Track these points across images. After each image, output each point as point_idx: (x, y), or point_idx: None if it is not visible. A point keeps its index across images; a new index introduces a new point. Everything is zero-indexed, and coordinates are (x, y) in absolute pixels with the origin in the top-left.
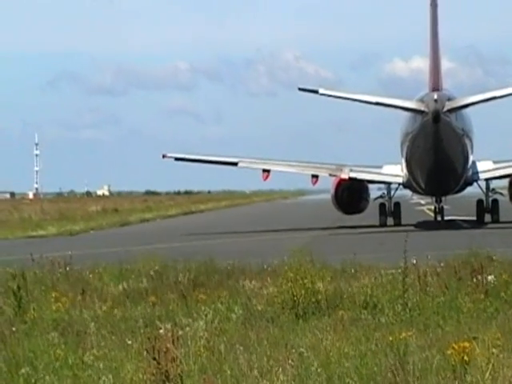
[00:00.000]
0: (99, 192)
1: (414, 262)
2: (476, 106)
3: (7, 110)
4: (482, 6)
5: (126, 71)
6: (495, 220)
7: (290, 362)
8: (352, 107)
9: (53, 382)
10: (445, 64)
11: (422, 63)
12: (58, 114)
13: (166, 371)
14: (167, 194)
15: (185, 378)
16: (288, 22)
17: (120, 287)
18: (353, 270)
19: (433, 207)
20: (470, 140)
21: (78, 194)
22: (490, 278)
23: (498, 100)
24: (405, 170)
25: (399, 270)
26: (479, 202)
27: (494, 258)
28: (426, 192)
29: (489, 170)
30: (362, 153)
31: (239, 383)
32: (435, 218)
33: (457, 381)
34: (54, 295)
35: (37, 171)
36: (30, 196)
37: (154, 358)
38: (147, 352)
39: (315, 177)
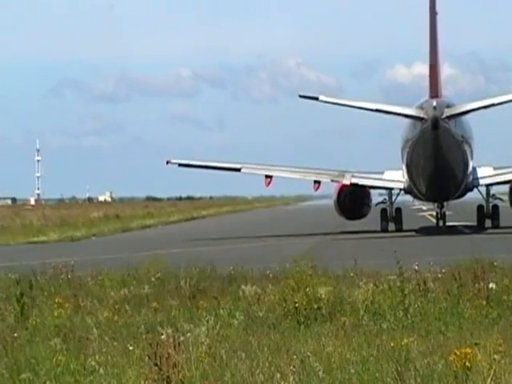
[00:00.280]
0: (101, 198)
1: (416, 267)
2: (477, 113)
3: (10, 117)
4: (484, 13)
5: (128, 78)
6: (495, 225)
7: (291, 368)
8: (354, 114)
9: None
10: (446, 70)
11: (423, 69)
12: (60, 121)
13: (168, 377)
14: (169, 199)
15: None
16: (290, 29)
17: (122, 293)
18: (354, 276)
19: (434, 213)
20: (470, 146)
21: (79, 200)
22: (491, 285)
23: (499, 106)
24: (406, 176)
25: (400, 276)
26: (480, 208)
27: (495, 263)
28: (426, 197)
29: (489, 176)
30: (364, 159)
31: None
32: (437, 223)
33: None
34: (56, 301)
35: (38, 177)
36: (32, 202)
37: (156, 364)
38: (149, 358)
39: (317, 183)
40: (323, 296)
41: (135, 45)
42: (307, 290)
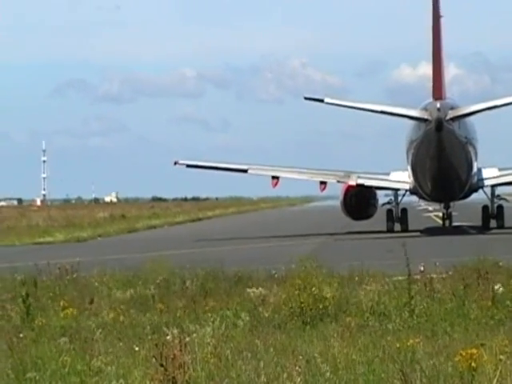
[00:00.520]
0: (107, 199)
1: (422, 268)
2: (481, 114)
3: (15, 118)
4: (490, 13)
5: (133, 79)
6: (500, 226)
7: (297, 368)
8: (359, 115)
9: None
10: (452, 71)
11: (429, 70)
12: (65, 122)
13: (174, 377)
14: (174, 200)
15: None
16: (295, 30)
17: (127, 294)
18: (359, 277)
19: (441, 213)
20: (474, 147)
21: (85, 200)
22: (497, 286)
23: (504, 108)
24: (411, 177)
25: (406, 277)
26: (484, 208)
27: (501, 264)
28: (431, 198)
29: (494, 177)
30: (370, 159)
31: None
32: (443, 223)
33: None
34: (61, 302)
35: (44, 178)
36: (38, 203)
37: (162, 365)
38: (155, 358)
39: (323, 183)
40: (329, 296)
41: (140, 45)
42: (313, 289)
